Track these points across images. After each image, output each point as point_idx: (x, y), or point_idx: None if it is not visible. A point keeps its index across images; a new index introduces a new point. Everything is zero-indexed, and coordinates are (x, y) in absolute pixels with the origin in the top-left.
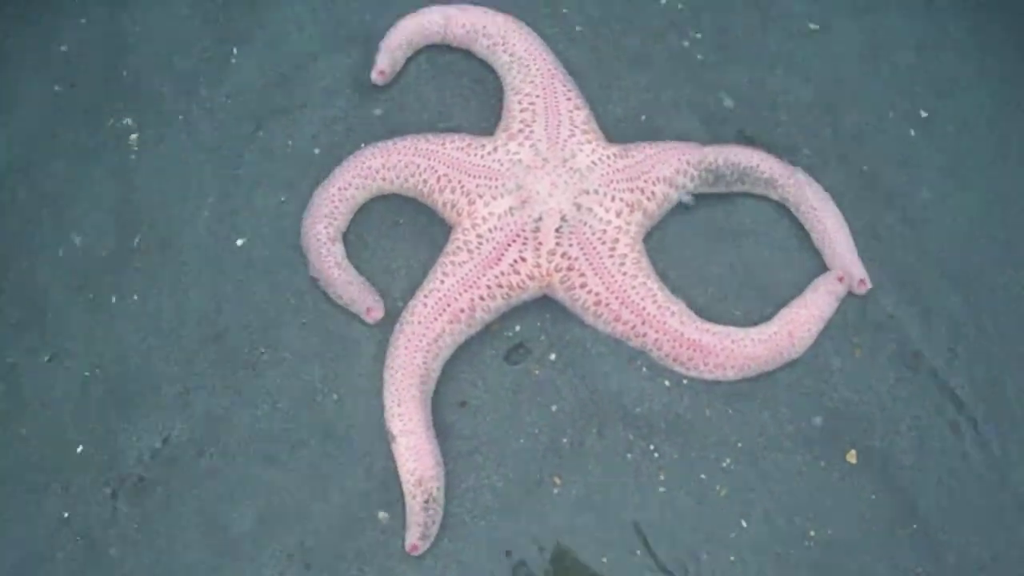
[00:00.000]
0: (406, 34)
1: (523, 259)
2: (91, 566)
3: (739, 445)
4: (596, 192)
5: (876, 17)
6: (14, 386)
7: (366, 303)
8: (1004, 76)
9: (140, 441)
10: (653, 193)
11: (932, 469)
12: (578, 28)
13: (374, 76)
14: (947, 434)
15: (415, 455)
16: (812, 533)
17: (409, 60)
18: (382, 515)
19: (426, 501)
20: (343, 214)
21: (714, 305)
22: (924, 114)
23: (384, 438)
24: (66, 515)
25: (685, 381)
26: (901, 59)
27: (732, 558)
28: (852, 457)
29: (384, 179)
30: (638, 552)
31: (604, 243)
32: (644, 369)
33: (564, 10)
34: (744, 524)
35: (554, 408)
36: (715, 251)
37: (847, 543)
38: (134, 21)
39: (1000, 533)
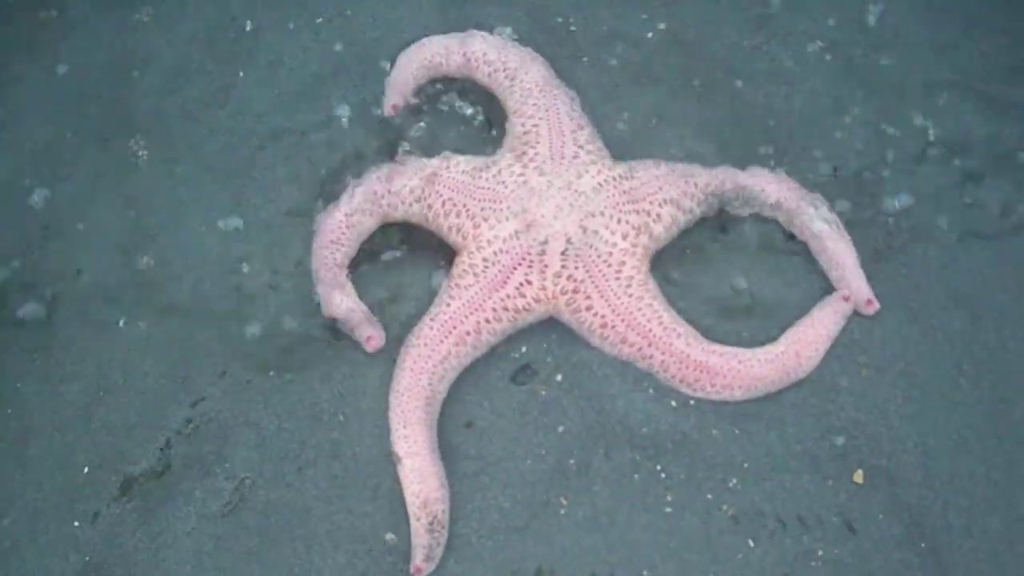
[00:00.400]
0: (411, 68)
1: (529, 282)
2: None
3: (745, 465)
4: (602, 215)
5: (884, 40)
6: (22, 409)
7: (366, 332)
8: (1007, 102)
9: (146, 463)
10: (659, 215)
11: (939, 488)
12: (584, 47)
13: (387, 112)
14: (956, 451)
15: (419, 477)
16: (819, 553)
17: None
18: (389, 536)
19: (431, 523)
20: (350, 240)
21: (720, 326)
22: (931, 138)
23: (390, 460)
24: (73, 536)
25: (692, 402)
26: (906, 82)
27: None
28: (859, 477)
29: (389, 205)
30: (645, 573)
31: (610, 266)
32: (650, 390)
33: (571, 29)
34: (751, 544)
35: (560, 429)
36: (721, 272)
37: (854, 562)
38: (141, 45)
39: (1008, 552)
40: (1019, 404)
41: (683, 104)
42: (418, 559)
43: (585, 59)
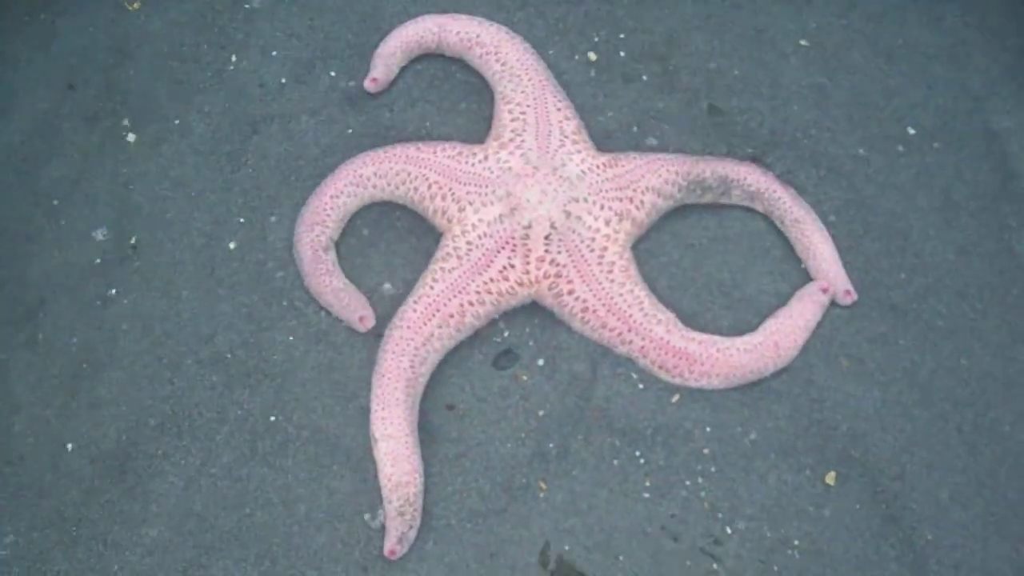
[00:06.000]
0: (400, 43)
1: (512, 265)
2: (84, 562)
3: (724, 453)
4: (585, 200)
5: (866, 34)
6: (6, 383)
7: (358, 311)
8: (992, 94)
9: (128, 439)
10: (642, 202)
11: (916, 480)
12: (572, 40)
13: (367, 84)
14: (933, 444)
15: (393, 460)
16: (796, 542)
17: (403, 69)
18: (367, 517)
19: (401, 506)
20: (335, 222)
21: (700, 314)
22: (912, 131)
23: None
24: (56, 511)
25: (672, 389)
26: (889, 76)
27: (715, 566)
28: (831, 479)
29: (376, 187)
30: (621, 558)
31: (592, 251)
32: (631, 376)
33: (558, 23)
34: (728, 531)
35: (541, 413)
36: (702, 260)
37: (831, 552)
38: (134, 26)
39: (982, 543)
40: (997, 397)
41: (667, 100)
42: (391, 541)
43: (573, 52)
